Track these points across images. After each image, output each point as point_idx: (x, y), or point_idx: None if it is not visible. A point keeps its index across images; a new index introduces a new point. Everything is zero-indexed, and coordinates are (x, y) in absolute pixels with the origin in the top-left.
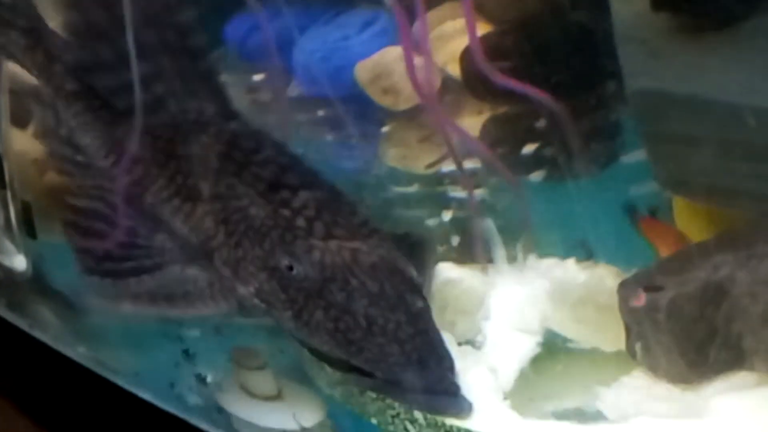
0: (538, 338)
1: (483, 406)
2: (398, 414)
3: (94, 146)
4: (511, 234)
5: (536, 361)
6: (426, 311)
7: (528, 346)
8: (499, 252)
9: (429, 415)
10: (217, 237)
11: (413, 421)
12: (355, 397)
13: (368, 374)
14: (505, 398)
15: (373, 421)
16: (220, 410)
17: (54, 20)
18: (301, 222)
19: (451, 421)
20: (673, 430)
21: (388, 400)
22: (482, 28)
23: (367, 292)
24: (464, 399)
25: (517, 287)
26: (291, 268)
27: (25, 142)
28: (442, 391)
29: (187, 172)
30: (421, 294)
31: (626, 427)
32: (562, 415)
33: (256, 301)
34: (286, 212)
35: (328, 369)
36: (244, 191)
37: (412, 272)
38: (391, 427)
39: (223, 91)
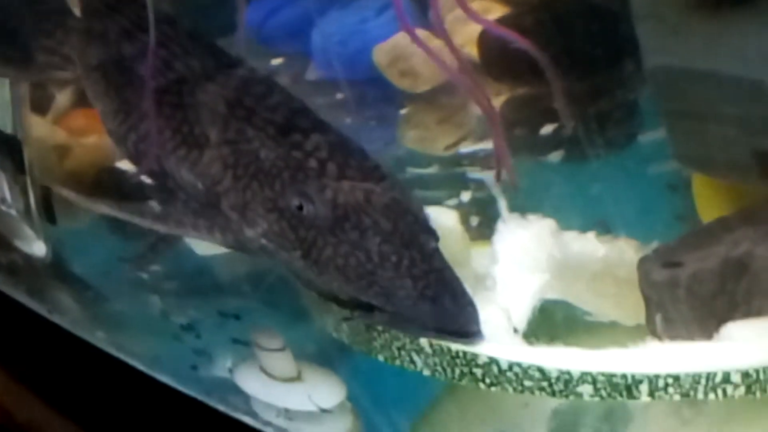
0: (546, 276)
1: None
2: (404, 345)
3: (106, 112)
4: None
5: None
6: (440, 252)
7: (537, 285)
8: (502, 203)
9: (434, 344)
10: (224, 181)
11: (419, 351)
12: (362, 334)
13: (377, 309)
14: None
15: (380, 357)
16: (240, 392)
17: None
18: (313, 163)
19: (457, 347)
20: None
21: (394, 332)
22: (501, 10)
23: (380, 231)
24: (479, 329)
25: (521, 230)
26: (301, 208)
27: (44, 128)
28: (457, 330)
29: (193, 121)
30: (435, 236)
31: (642, 349)
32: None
33: (263, 242)
34: (297, 154)
35: (335, 309)
36: (254, 135)
37: (426, 216)
38: (397, 361)
39: (219, 47)
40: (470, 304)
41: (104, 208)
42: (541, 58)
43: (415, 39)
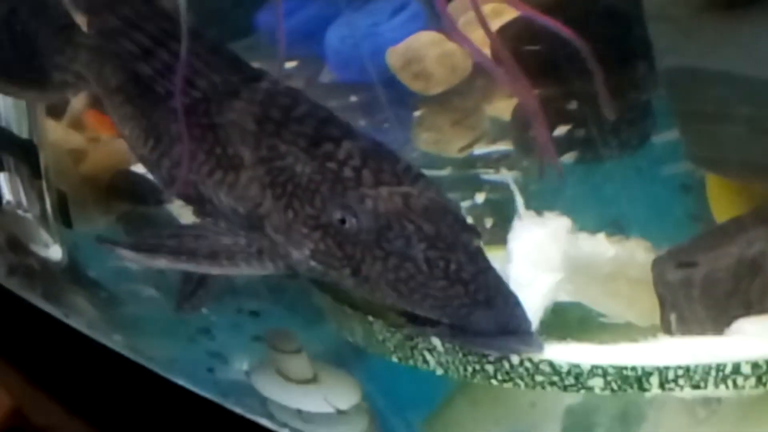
0: (561, 275)
1: None
2: (416, 345)
3: (133, 136)
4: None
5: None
6: (482, 250)
7: (551, 283)
8: (518, 200)
9: (446, 343)
10: (265, 203)
11: (432, 350)
12: (375, 335)
13: (434, 323)
14: None
15: (394, 358)
16: (256, 394)
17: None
18: (348, 173)
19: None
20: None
21: (406, 332)
22: (513, 12)
23: (424, 236)
24: (536, 336)
25: (537, 228)
26: (343, 221)
27: (60, 133)
28: (513, 329)
29: (225, 141)
30: (475, 232)
31: (652, 343)
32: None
33: (312, 263)
34: (332, 165)
35: (348, 310)
36: (286, 150)
37: (462, 212)
38: (411, 361)
39: (239, 57)
40: (518, 303)
41: (162, 263)
42: (584, 49)
43: (458, 36)
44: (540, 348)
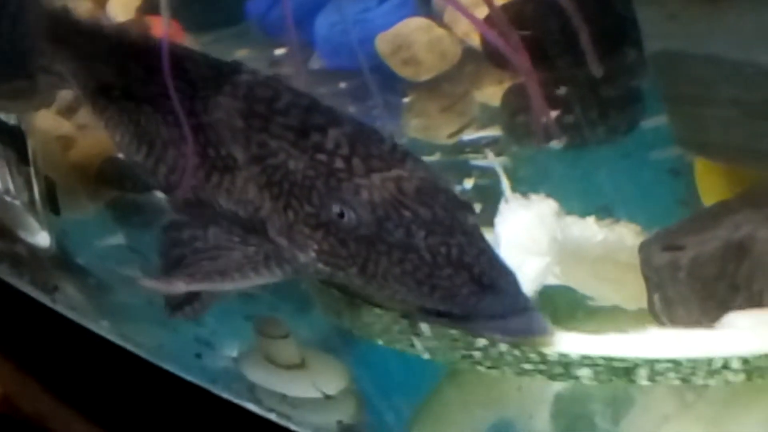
0: (548, 259)
1: None
2: (404, 329)
3: (125, 144)
4: None
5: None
6: (477, 226)
7: (539, 267)
8: (505, 183)
9: (433, 327)
10: (264, 205)
11: (419, 335)
12: (362, 319)
13: (444, 314)
14: None
15: (381, 341)
16: (244, 379)
17: None
18: (339, 163)
19: (454, 333)
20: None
21: (393, 315)
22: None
23: (422, 221)
24: (541, 316)
25: (523, 211)
26: (342, 215)
27: (49, 120)
28: (521, 309)
29: (216, 141)
30: (469, 208)
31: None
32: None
33: (319, 265)
34: (322, 157)
35: (336, 293)
36: (277, 145)
37: (453, 187)
38: (398, 345)
39: (213, 57)
40: (517, 282)
41: (180, 287)
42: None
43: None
44: (546, 330)
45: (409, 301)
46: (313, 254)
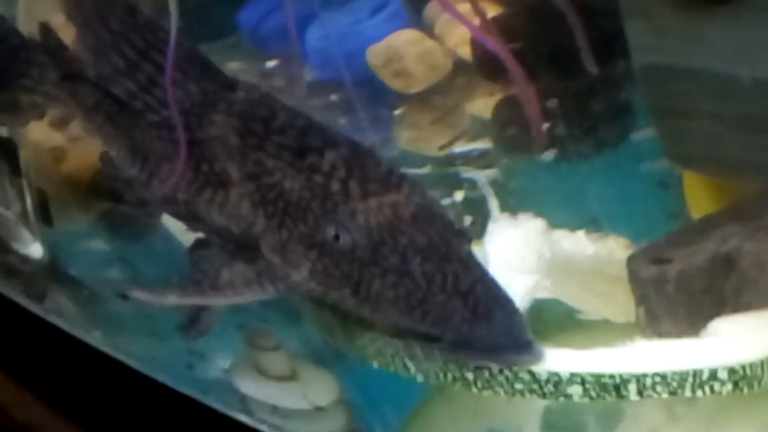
0: (536, 277)
1: None
2: (397, 351)
3: (121, 158)
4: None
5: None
6: (473, 254)
7: (527, 285)
8: (493, 203)
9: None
10: (258, 221)
11: (412, 357)
12: (356, 341)
13: (436, 339)
14: None
15: (374, 363)
16: (235, 391)
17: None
18: (336, 186)
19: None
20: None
21: (387, 338)
22: (493, 10)
23: (417, 247)
24: (536, 344)
25: (511, 230)
26: (338, 238)
27: (41, 132)
28: (515, 341)
29: (210, 157)
30: (464, 235)
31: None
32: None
33: (312, 285)
34: (318, 178)
35: (329, 315)
36: (273, 164)
37: (447, 213)
38: (392, 367)
39: (214, 65)
40: (515, 311)
41: (172, 300)
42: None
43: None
44: (541, 357)
45: (400, 325)
46: (306, 273)
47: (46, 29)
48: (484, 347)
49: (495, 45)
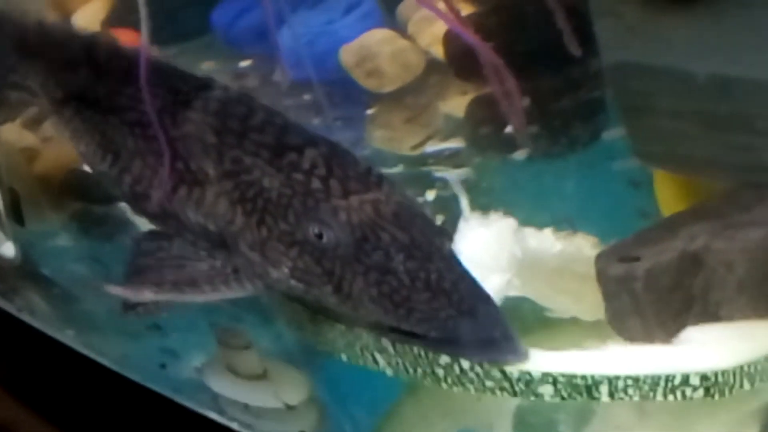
0: (507, 276)
1: None
2: (367, 345)
3: (90, 154)
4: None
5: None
6: (454, 253)
7: (499, 284)
8: (464, 202)
9: (397, 344)
10: (236, 220)
11: (382, 351)
12: (324, 335)
13: (420, 336)
14: None
15: (343, 356)
16: (207, 389)
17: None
18: (316, 184)
19: (418, 349)
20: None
21: (357, 331)
22: (465, 9)
23: (400, 245)
24: (520, 343)
25: (482, 229)
26: (320, 236)
27: (13, 132)
28: (499, 336)
29: (186, 155)
30: (445, 233)
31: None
32: None
33: (292, 282)
34: (298, 176)
35: (298, 308)
36: (251, 162)
37: (427, 211)
38: (360, 360)
39: (183, 69)
40: (497, 308)
41: (147, 296)
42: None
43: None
44: (526, 357)
45: (383, 322)
46: (286, 271)
47: (38, 24)
48: (468, 344)
49: (471, 37)
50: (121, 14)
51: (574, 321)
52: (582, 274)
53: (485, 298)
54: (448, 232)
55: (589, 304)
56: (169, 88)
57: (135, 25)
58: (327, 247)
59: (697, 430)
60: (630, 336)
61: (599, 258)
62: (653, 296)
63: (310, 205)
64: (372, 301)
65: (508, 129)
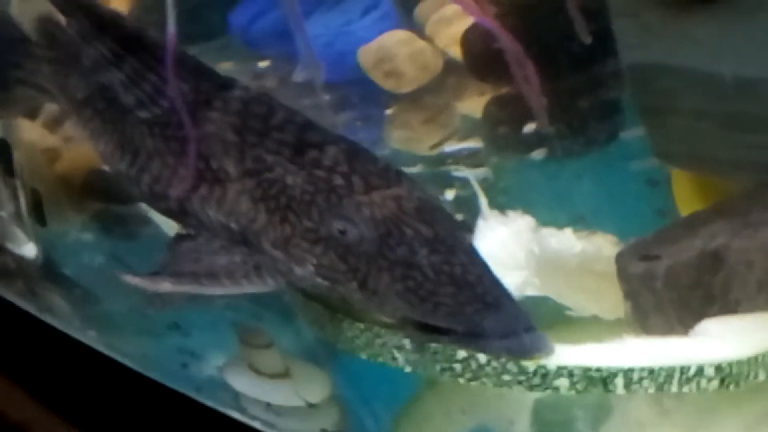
0: (525, 274)
1: None
2: (385, 343)
3: (109, 153)
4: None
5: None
6: (475, 247)
7: (516, 282)
8: (483, 201)
9: (416, 341)
10: (259, 218)
11: (401, 348)
12: (345, 332)
13: (446, 332)
14: None
15: (363, 355)
16: (228, 388)
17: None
18: (339, 180)
19: (435, 346)
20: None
21: (375, 329)
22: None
23: (424, 239)
24: (547, 338)
25: (501, 227)
26: (344, 232)
27: (34, 132)
28: (524, 328)
29: (207, 154)
30: (466, 227)
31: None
32: None
33: (317, 279)
34: (321, 173)
35: (319, 307)
36: (273, 160)
37: (446, 206)
38: (380, 358)
39: (206, 66)
40: (515, 302)
41: (166, 287)
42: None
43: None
44: (552, 351)
45: (407, 318)
46: (311, 268)
47: (43, 20)
48: (494, 338)
49: (493, 25)
50: (140, 15)
51: (594, 319)
52: (602, 273)
53: (507, 293)
54: (468, 225)
55: (610, 303)
56: (190, 85)
57: (153, 26)
58: (351, 243)
59: (719, 426)
60: (651, 333)
61: (620, 256)
62: (674, 294)
63: (333, 201)
64: (398, 296)
65: (526, 129)
